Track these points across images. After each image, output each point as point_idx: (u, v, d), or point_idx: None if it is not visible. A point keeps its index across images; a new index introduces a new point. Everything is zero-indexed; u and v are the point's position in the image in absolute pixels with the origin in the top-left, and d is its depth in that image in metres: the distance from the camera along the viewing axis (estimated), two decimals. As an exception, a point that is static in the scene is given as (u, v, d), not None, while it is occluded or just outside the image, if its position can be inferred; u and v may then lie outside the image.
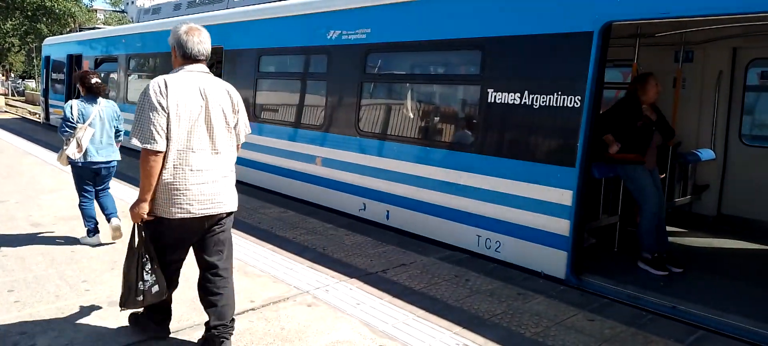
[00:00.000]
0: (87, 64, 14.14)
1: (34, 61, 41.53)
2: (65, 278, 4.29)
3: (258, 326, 3.60)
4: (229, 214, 3.18)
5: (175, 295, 4.01)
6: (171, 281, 3.16)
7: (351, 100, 6.70)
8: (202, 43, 3.10)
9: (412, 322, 3.75)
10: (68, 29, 30.21)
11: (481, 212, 5.27)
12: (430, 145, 5.89)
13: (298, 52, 7.68)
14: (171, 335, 3.40)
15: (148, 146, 2.85)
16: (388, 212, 6.21)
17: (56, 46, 16.87)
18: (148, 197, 2.93)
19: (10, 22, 32.34)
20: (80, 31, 19.42)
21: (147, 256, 3.04)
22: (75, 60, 14.78)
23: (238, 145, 3.27)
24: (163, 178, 2.93)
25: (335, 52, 6.89)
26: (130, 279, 3.08)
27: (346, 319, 3.76)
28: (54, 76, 16.57)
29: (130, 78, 12.21)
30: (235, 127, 3.20)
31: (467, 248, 5.39)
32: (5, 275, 4.28)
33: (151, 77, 11.92)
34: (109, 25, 32.34)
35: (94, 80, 5.13)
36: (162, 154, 2.90)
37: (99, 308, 3.77)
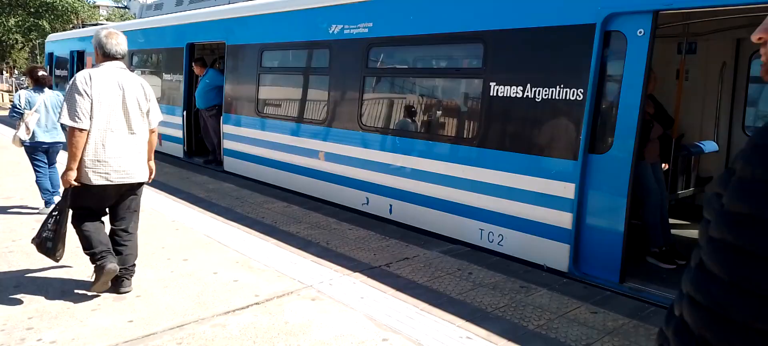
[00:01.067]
0: (90, 61, 14.16)
1: (38, 57, 41.58)
2: (70, 273, 4.32)
3: (262, 319, 3.62)
4: (140, 184, 4.00)
5: (179, 290, 4.04)
6: (89, 238, 3.81)
7: (353, 94, 6.70)
8: (119, 44, 3.86)
9: (415, 315, 3.77)
10: (71, 26, 30.22)
11: (483, 206, 5.27)
12: (433, 139, 5.89)
13: (300, 47, 7.68)
14: (179, 327, 3.42)
15: (75, 124, 3.61)
16: (391, 206, 6.23)
17: (59, 42, 16.89)
18: (75, 167, 3.65)
19: (13, 19, 32.37)
20: (83, 27, 19.43)
21: (58, 214, 3.80)
22: (78, 56, 14.81)
23: (151, 129, 4.05)
24: (87, 152, 3.67)
25: (337, 47, 6.89)
26: (42, 225, 3.86)
27: (350, 312, 3.78)
28: (57, 72, 16.59)
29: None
30: (147, 114, 3.98)
31: (470, 242, 5.40)
32: (12, 271, 4.31)
33: (155, 73, 11.98)
34: (112, 21, 32.37)
35: (40, 73, 6.17)
36: (86, 132, 3.66)
37: (105, 303, 3.80)
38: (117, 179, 3.77)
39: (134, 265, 4.03)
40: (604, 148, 4.48)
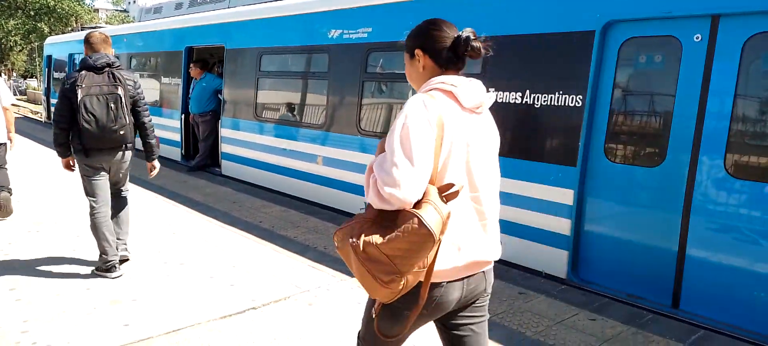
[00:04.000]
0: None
1: (36, 60, 41.57)
2: (66, 276, 4.29)
3: (259, 325, 3.60)
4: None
5: (175, 294, 4.02)
6: None
7: (352, 99, 6.69)
8: None
9: (412, 321, 3.74)
10: (70, 28, 30.25)
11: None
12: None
13: (299, 52, 7.68)
14: (175, 331, 3.40)
15: None
16: (389, 211, 6.20)
17: (58, 45, 16.89)
18: None
19: (12, 22, 32.39)
20: (82, 30, 19.43)
21: None
22: (77, 59, 14.82)
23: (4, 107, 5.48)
24: None
25: (336, 52, 6.89)
26: None
27: (347, 318, 3.76)
28: (56, 75, 16.59)
29: (131, 77, 12.21)
30: None
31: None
32: (7, 273, 4.28)
33: (154, 76, 11.97)
34: (112, 24, 32.39)
35: None
36: None
37: (100, 307, 3.77)
38: None
39: None
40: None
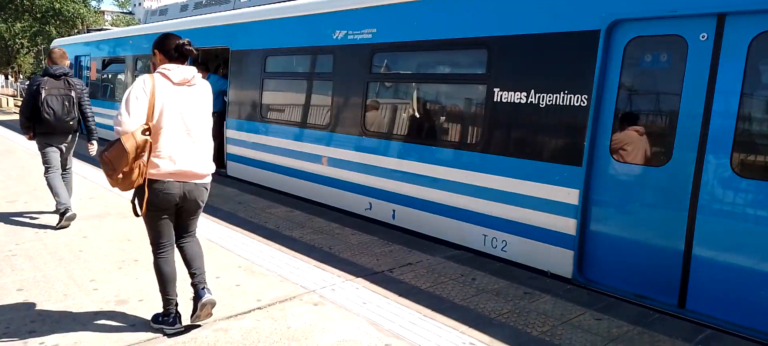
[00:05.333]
0: (95, 65, 14.23)
1: (43, 62, 41.81)
2: (73, 276, 4.32)
3: (265, 324, 3.61)
4: None
5: (182, 294, 4.04)
6: None
7: (357, 99, 6.71)
8: None
9: (418, 321, 3.75)
10: (76, 31, 30.42)
11: (487, 212, 5.26)
12: (436, 144, 5.89)
13: (304, 53, 7.70)
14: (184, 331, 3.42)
15: None
16: (394, 211, 6.22)
17: (64, 47, 17.00)
18: None
19: (19, 24, 32.60)
20: (88, 32, 19.53)
21: None
22: (82, 61, 14.90)
23: None
24: None
25: (341, 52, 6.90)
26: None
27: (353, 318, 3.77)
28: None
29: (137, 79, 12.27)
30: None
31: (473, 248, 5.38)
32: (15, 274, 4.32)
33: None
34: (117, 26, 32.53)
35: None
36: None
37: (107, 306, 3.79)
38: None
39: None
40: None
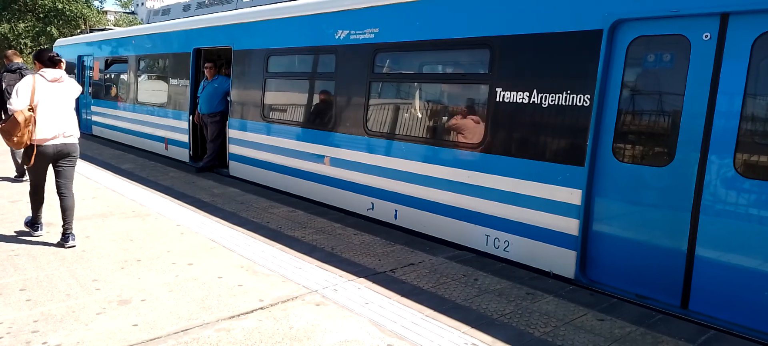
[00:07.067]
0: (98, 65, 14.26)
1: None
2: (76, 276, 4.33)
3: (267, 325, 3.61)
4: None
5: (184, 294, 4.05)
6: None
7: (359, 99, 6.70)
8: None
9: (420, 321, 3.75)
10: (79, 31, 30.48)
11: (489, 212, 5.26)
12: (438, 144, 5.88)
13: (306, 52, 7.70)
14: (184, 331, 3.42)
15: None
16: (396, 211, 6.21)
17: (67, 47, 17.02)
18: None
19: (22, 24, 32.70)
20: (91, 32, 19.56)
21: None
22: (85, 61, 14.92)
23: None
24: None
25: (343, 52, 6.90)
26: None
27: (355, 318, 3.77)
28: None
29: (140, 79, 12.29)
30: None
31: (476, 248, 5.38)
32: (18, 274, 4.33)
33: (161, 78, 12.04)
34: (120, 26, 32.57)
35: None
36: None
37: (110, 306, 3.80)
38: None
39: None
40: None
